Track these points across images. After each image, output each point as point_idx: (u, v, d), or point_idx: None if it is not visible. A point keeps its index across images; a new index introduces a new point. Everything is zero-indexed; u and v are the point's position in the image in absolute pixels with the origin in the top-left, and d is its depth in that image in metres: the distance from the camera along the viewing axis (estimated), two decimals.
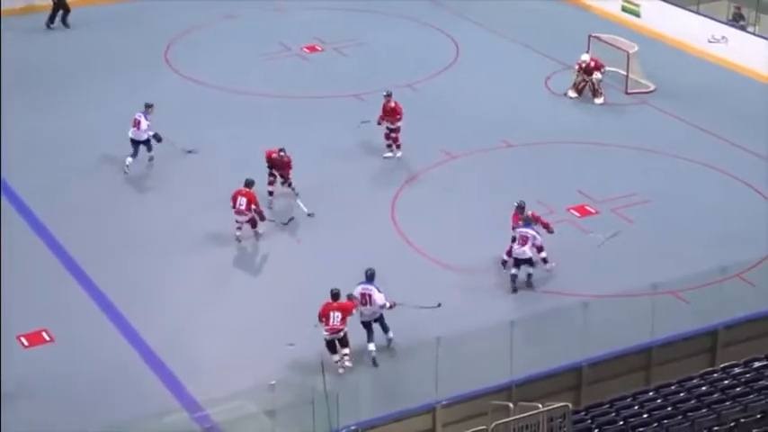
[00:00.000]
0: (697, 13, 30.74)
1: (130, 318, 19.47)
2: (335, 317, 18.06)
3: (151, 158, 24.20)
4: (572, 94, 27.74)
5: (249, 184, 21.56)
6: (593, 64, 27.41)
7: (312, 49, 30.28)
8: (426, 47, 30.64)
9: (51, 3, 31.29)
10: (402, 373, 18.01)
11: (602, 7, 32.78)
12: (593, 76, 27.40)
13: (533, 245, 20.09)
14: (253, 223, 21.55)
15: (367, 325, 18.57)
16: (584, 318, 18.18)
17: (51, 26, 31.21)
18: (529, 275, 20.27)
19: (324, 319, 18.13)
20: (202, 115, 26.51)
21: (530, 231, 20.13)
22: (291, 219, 22.28)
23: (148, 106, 24.10)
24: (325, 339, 18.16)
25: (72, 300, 20.04)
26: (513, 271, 20.24)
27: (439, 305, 19.08)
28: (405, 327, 19.06)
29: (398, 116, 24.41)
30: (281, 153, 22.54)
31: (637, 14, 32.00)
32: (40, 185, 23.39)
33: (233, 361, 18.59)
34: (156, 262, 21.11)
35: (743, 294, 19.68)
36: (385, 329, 18.69)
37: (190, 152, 24.52)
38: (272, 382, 16.40)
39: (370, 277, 18.61)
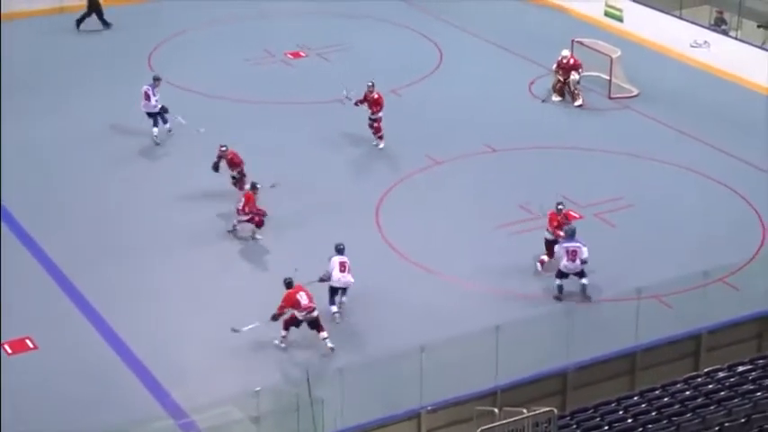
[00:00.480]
0: (679, 17, 30.86)
1: (114, 325, 19.42)
2: (303, 297, 18.55)
3: (170, 130, 25.23)
4: (555, 98, 27.82)
5: (252, 186, 21.63)
6: (572, 61, 27.52)
7: (296, 55, 30.27)
8: (410, 52, 30.67)
9: (86, 6, 31.54)
10: (387, 378, 18.01)
11: (585, 12, 32.85)
12: (571, 77, 27.51)
13: (581, 258, 19.94)
14: (258, 223, 21.64)
15: (339, 291, 19.69)
16: (568, 322, 18.22)
17: (108, 25, 31.51)
18: (584, 287, 20.06)
19: (293, 307, 18.54)
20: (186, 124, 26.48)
21: (578, 245, 19.93)
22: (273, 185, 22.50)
23: (156, 79, 24.99)
24: (307, 321, 18.62)
25: (56, 307, 19.97)
26: (559, 282, 20.09)
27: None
28: (390, 331, 19.11)
29: (379, 107, 24.85)
30: (223, 149, 22.76)
31: (619, 19, 32.10)
32: (22, 192, 23.27)
33: (218, 367, 18.58)
34: (140, 269, 21.06)
35: (726, 298, 19.75)
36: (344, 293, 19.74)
37: (200, 131, 24.87)
38: (257, 389, 16.39)
39: (342, 251, 19.59)
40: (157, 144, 25.10)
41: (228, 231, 21.88)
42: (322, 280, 19.35)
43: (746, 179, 24.21)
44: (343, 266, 19.49)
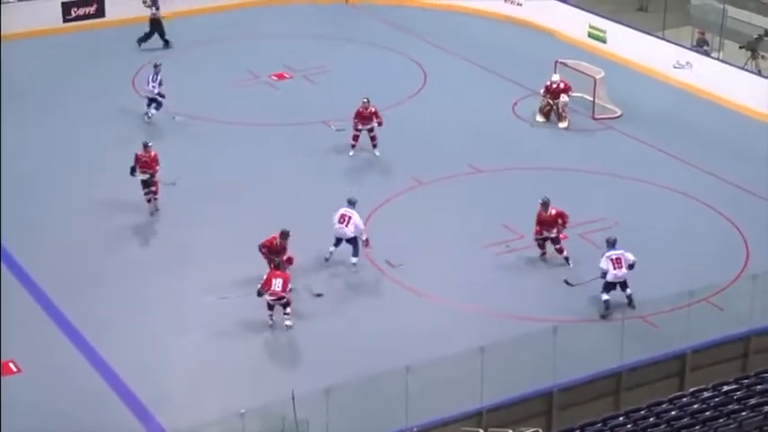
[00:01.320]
0: (662, 38, 31.05)
1: (99, 347, 19.34)
2: (277, 283, 19.53)
3: (149, 116, 26.89)
4: (539, 118, 27.92)
5: (283, 234, 20.69)
6: (562, 85, 27.63)
7: (280, 76, 30.29)
8: (395, 74, 30.74)
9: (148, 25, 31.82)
10: (372, 399, 17.97)
11: (568, 33, 33.03)
12: (561, 99, 27.62)
13: (628, 264, 20.15)
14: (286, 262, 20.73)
15: (338, 241, 21.40)
16: (553, 343, 18.22)
17: (168, 44, 31.87)
18: (629, 298, 20.26)
19: (267, 286, 19.56)
20: (170, 142, 26.47)
21: (620, 252, 20.20)
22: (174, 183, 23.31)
23: (155, 66, 26.79)
24: (268, 302, 19.72)
25: (39, 329, 19.86)
26: (606, 297, 20.17)
27: (401, 265, 21.36)
28: (375, 351, 19.09)
29: (380, 118, 25.66)
30: (149, 147, 23.28)
31: (602, 40, 32.26)
32: (8, 217, 23.16)
33: (203, 389, 18.53)
34: (124, 291, 20.99)
35: (710, 318, 19.79)
36: (355, 254, 21.32)
37: (177, 118, 26.39)
38: (242, 411, 16.33)
39: (353, 203, 21.38)
40: (147, 122, 26.67)
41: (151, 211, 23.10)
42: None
43: (729, 199, 24.31)
44: (342, 218, 21.19)
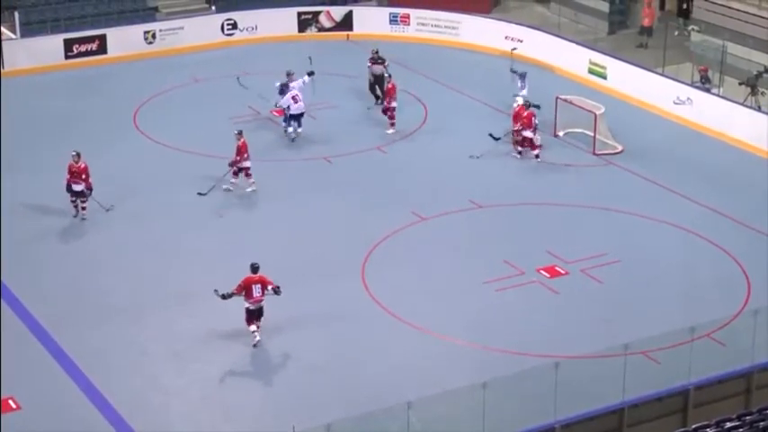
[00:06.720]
0: (662, 75, 31.15)
1: (98, 384, 19.26)
2: (257, 289, 19.61)
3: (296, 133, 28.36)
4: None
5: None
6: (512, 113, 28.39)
7: (281, 113, 30.30)
8: (396, 109, 30.75)
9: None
10: None
11: (569, 69, 33.14)
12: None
13: None
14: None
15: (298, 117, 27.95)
16: (555, 378, 18.14)
17: (379, 99, 30.77)
18: None
19: (246, 292, 19.58)
20: (171, 179, 26.52)
21: None
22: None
23: (289, 74, 28.40)
24: (249, 309, 19.74)
25: (38, 366, 19.80)
26: None
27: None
28: (377, 387, 19.02)
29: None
30: (74, 155, 24.18)
31: (603, 76, 32.37)
32: (5, 249, 23.17)
33: (202, 426, 18.43)
34: (123, 328, 20.93)
35: (713, 354, 19.72)
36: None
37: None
38: None
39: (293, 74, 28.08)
40: (293, 140, 28.10)
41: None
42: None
43: (730, 234, 24.30)
44: (295, 98, 27.33)
